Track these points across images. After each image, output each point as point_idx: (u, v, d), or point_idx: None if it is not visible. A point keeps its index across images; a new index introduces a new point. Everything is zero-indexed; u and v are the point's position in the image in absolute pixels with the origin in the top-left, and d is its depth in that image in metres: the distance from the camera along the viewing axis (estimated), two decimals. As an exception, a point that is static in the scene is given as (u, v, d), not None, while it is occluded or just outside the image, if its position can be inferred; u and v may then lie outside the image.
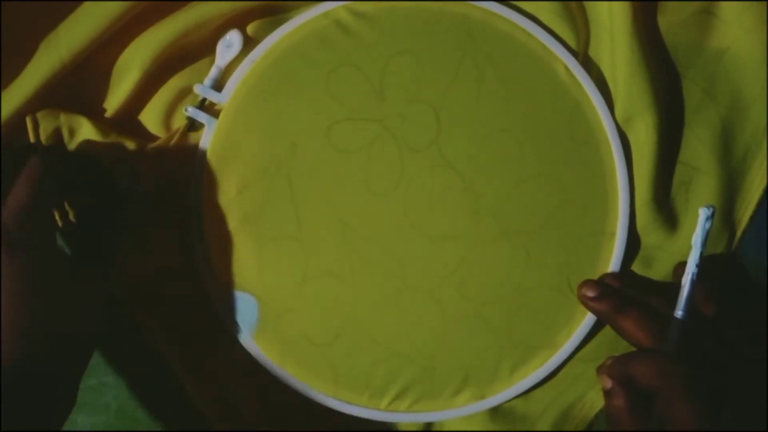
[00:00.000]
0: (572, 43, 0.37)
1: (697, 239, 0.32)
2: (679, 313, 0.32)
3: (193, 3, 0.35)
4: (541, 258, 0.37)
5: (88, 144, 0.34)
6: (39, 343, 0.28)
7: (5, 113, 0.33)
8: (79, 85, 0.35)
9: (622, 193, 0.37)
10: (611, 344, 0.37)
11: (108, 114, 0.36)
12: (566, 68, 0.37)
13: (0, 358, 0.26)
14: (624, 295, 0.35)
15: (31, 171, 0.30)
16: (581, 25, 0.37)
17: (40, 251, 0.29)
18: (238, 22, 0.36)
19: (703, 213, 0.32)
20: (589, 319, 0.37)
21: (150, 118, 0.37)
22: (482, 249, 0.37)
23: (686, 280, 0.33)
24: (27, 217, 0.29)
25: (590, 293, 0.35)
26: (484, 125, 0.37)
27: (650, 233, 0.37)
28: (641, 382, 0.31)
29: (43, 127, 0.34)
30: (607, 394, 0.33)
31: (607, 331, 0.37)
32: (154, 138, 0.37)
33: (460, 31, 0.37)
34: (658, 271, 0.37)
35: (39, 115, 0.34)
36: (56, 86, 0.34)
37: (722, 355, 0.32)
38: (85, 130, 0.35)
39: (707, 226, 0.32)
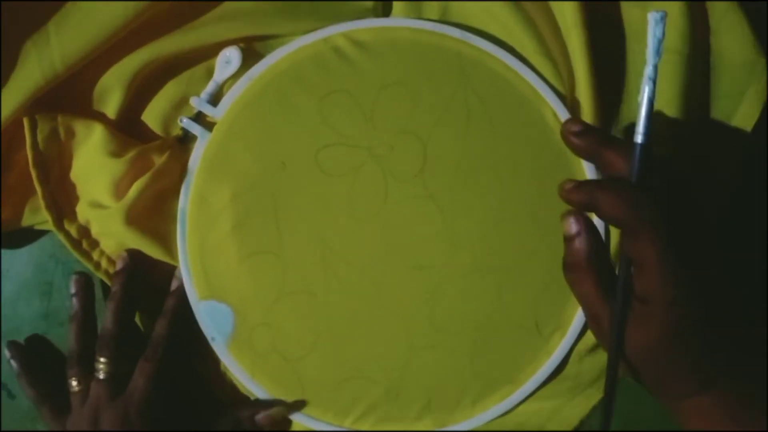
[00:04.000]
0: (559, 86, 0.38)
1: (650, 49, 0.28)
2: (639, 137, 0.28)
3: (190, 25, 0.36)
4: (512, 295, 0.38)
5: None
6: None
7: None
8: (78, 93, 0.37)
9: (597, 240, 0.38)
10: (572, 384, 0.38)
11: (109, 117, 0.37)
12: (554, 113, 0.37)
13: None
14: (607, 132, 0.33)
15: (114, 301, 0.37)
16: (565, 71, 0.38)
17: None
18: (238, 39, 0.38)
19: (652, 18, 0.28)
20: (553, 359, 0.38)
21: (150, 120, 0.39)
22: (455, 281, 0.38)
23: (643, 98, 0.28)
24: (116, 343, 0.36)
25: (575, 128, 0.31)
26: (469, 162, 0.37)
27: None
28: (605, 212, 0.28)
29: (40, 128, 0.36)
30: (570, 238, 0.30)
31: (569, 371, 0.38)
32: (156, 139, 0.38)
33: (453, 67, 0.38)
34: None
35: (38, 116, 0.36)
36: (54, 92, 0.35)
37: (686, 194, 0.30)
38: (93, 132, 0.36)
39: (658, 32, 0.28)
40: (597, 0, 0.37)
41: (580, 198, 0.29)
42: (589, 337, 0.38)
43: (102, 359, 0.36)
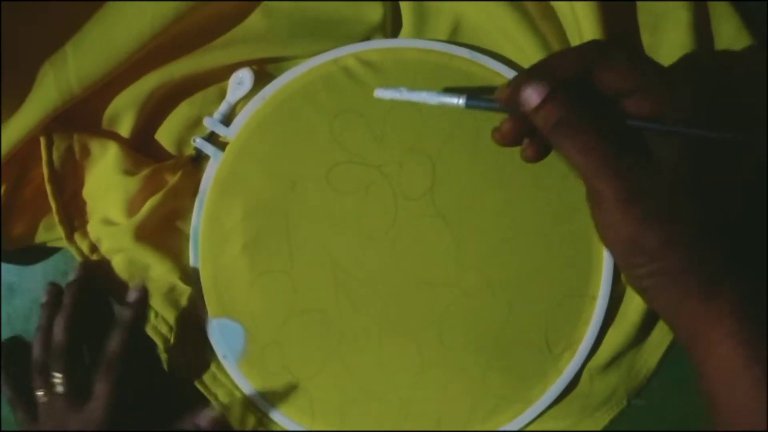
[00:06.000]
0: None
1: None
2: None
3: (203, 48, 0.37)
4: (523, 314, 0.38)
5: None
6: None
7: (14, 138, 0.35)
8: (92, 113, 0.37)
9: (607, 259, 0.38)
10: (583, 404, 0.38)
11: (123, 137, 0.38)
12: (562, 132, 0.38)
13: None
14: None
15: (65, 314, 0.37)
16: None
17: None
18: (250, 61, 0.38)
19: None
20: (564, 377, 0.38)
21: (164, 139, 0.39)
22: (466, 299, 0.38)
23: None
24: (69, 357, 0.36)
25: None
26: (477, 180, 0.38)
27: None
28: (568, 72, 0.25)
29: (56, 145, 0.36)
30: (540, 107, 0.25)
31: (579, 391, 0.38)
32: (169, 158, 0.39)
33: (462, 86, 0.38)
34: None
35: (54, 134, 0.36)
36: (69, 112, 0.36)
37: None
38: (108, 151, 0.37)
39: None
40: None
41: (543, 72, 0.25)
42: (600, 356, 0.38)
43: (56, 374, 0.35)
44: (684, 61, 0.36)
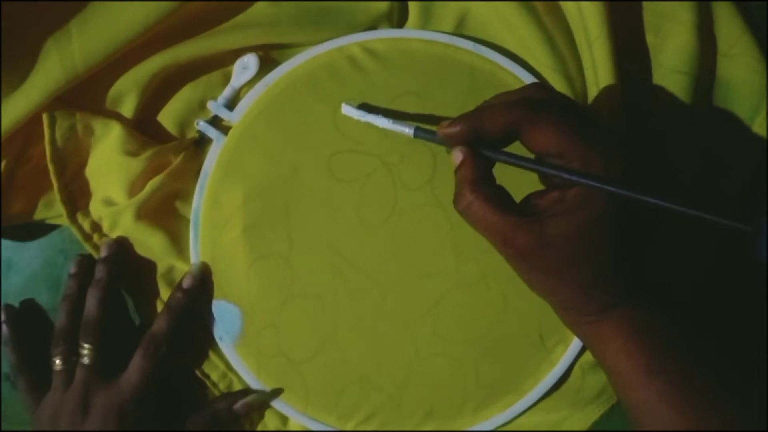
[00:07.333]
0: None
1: None
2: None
3: (209, 32, 0.37)
4: (517, 306, 0.38)
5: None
6: None
7: (16, 114, 0.35)
8: (95, 93, 0.37)
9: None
10: (574, 398, 0.39)
11: (127, 117, 0.38)
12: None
13: None
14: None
15: (99, 288, 0.37)
16: (579, 88, 0.38)
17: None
18: (255, 47, 0.38)
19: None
20: (556, 371, 0.38)
21: (167, 121, 0.39)
22: (461, 290, 0.38)
23: None
24: (101, 330, 0.37)
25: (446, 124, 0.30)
26: (478, 172, 0.38)
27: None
28: (493, 125, 0.28)
29: (59, 124, 0.36)
30: (456, 170, 0.30)
31: (571, 385, 0.39)
32: (171, 140, 0.39)
33: (465, 79, 0.38)
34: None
35: (57, 113, 0.36)
36: (72, 91, 0.36)
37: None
38: (111, 131, 0.37)
39: None
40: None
41: (466, 126, 0.29)
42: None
43: (86, 345, 0.36)
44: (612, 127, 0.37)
